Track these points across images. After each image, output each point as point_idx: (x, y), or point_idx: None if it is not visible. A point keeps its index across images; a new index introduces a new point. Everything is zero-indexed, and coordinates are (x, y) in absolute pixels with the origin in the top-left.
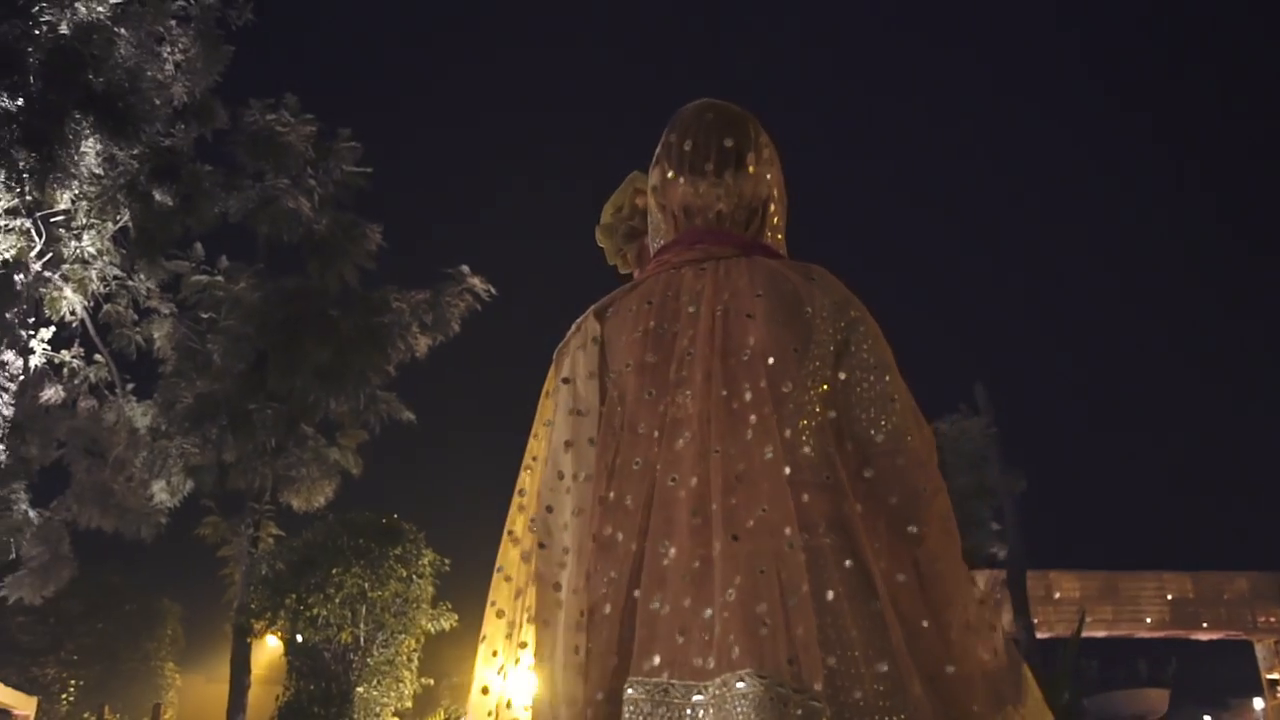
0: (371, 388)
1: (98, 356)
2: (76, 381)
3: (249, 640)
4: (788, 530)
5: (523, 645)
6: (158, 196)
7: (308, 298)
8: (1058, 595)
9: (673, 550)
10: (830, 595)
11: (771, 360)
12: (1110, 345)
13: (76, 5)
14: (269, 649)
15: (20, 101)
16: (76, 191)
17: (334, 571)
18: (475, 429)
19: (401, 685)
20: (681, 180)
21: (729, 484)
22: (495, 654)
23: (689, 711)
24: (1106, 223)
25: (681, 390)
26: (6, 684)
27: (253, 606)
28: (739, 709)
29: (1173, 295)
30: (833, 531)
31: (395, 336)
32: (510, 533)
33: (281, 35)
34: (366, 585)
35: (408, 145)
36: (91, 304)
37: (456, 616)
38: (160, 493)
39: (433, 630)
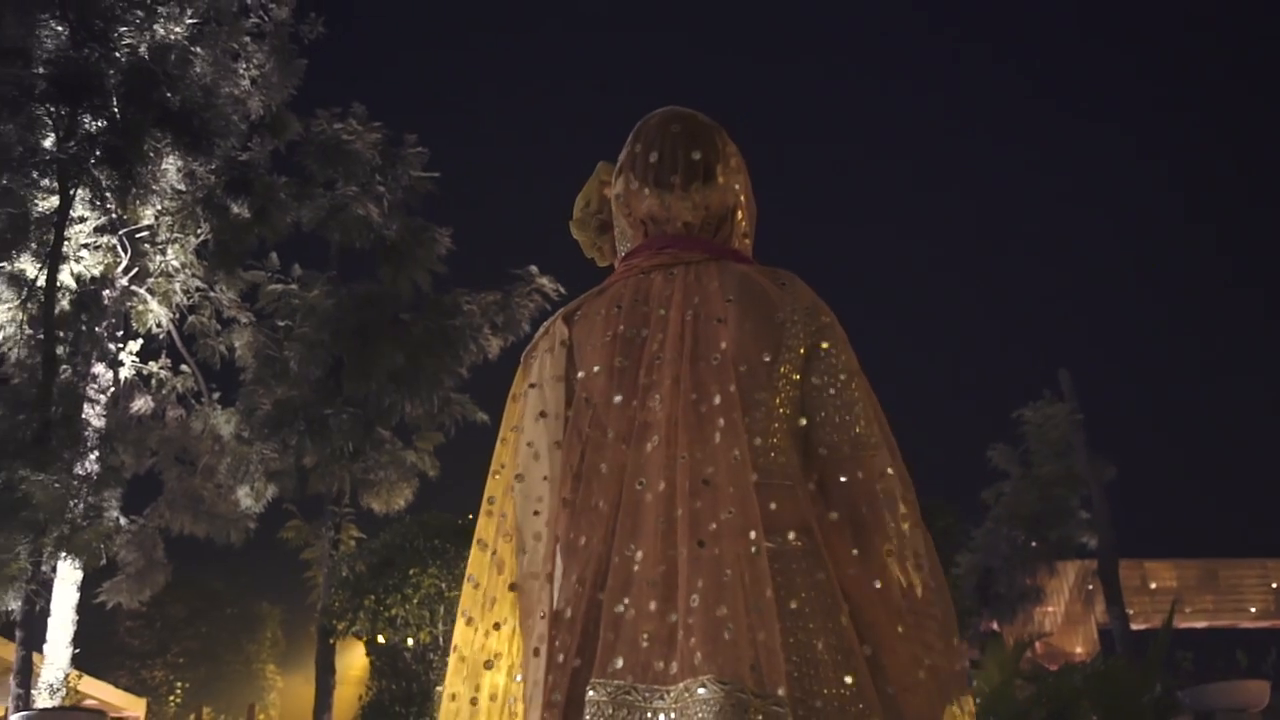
0: (445, 390)
1: (184, 367)
2: (164, 392)
3: (332, 641)
4: (753, 534)
5: (497, 655)
6: (234, 209)
7: (380, 303)
8: (1154, 585)
9: (639, 554)
10: (794, 605)
11: (743, 366)
12: (1205, 325)
13: (155, 27)
14: (359, 650)
15: (101, 122)
16: (159, 207)
17: (411, 572)
18: None
19: None
20: (647, 192)
21: (695, 488)
22: (463, 660)
23: (649, 716)
24: (1197, 200)
25: (651, 394)
26: (117, 686)
27: (334, 608)
28: (699, 714)
29: (1272, 272)
30: (802, 538)
31: (467, 339)
32: (480, 541)
33: (345, 42)
34: (444, 585)
35: (475, 147)
36: (177, 316)
37: None
38: (245, 498)
39: None
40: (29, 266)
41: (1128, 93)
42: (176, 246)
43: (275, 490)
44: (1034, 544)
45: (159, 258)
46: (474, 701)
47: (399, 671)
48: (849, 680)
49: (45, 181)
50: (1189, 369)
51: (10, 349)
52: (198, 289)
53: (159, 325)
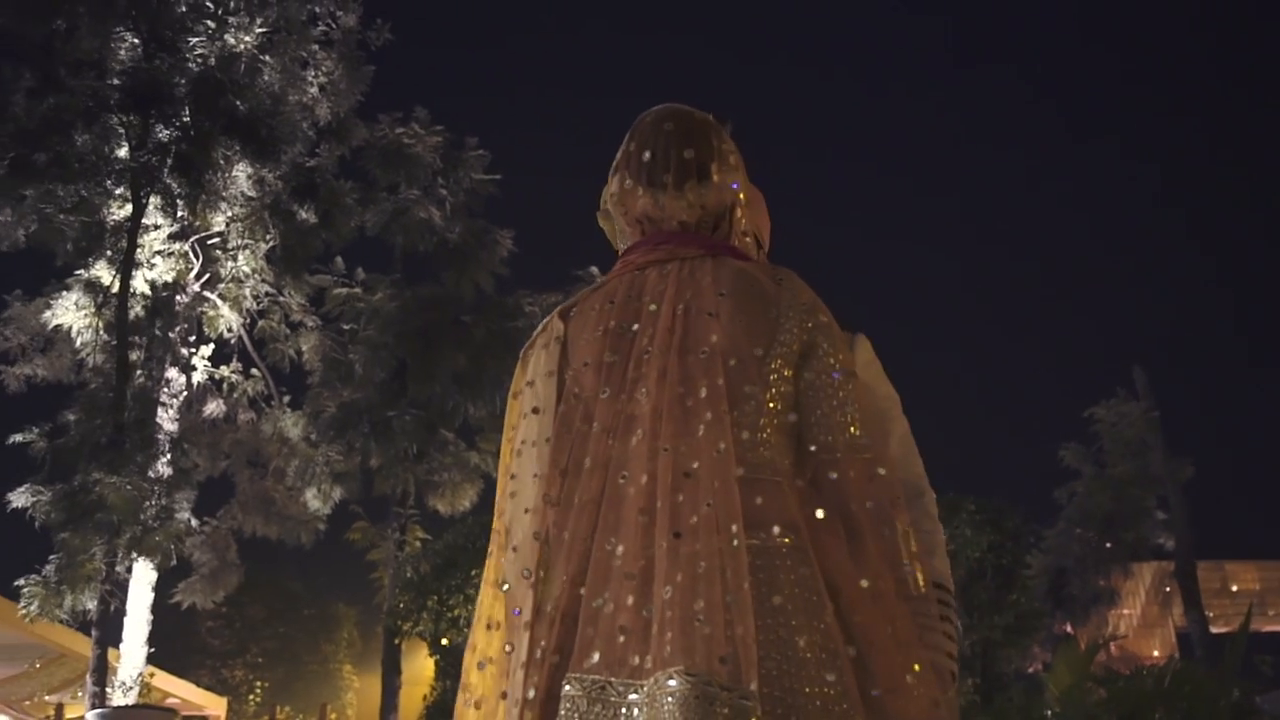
0: (507, 391)
1: (254, 371)
2: (236, 395)
3: (397, 642)
4: (733, 528)
5: (490, 658)
6: (301, 214)
7: (443, 305)
8: (1235, 588)
9: (620, 548)
10: (776, 600)
11: (732, 360)
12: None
13: (225, 37)
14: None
15: (172, 131)
16: (229, 214)
17: (474, 573)
18: None
19: None
20: (641, 191)
21: (677, 481)
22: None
23: (625, 710)
24: (1272, 194)
25: (638, 388)
26: (199, 685)
27: (399, 609)
28: (666, 706)
29: None
30: (788, 534)
31: (529, 340)
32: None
33: (408, 46)
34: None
35: (536, 149)
36: (247, 321)
37: None
38: (313, 500)
39: None
40: (104, 274)
41: (1209, 93)
42: (247, 252)
43: (342, 492)
44: (1108, 545)
45: (230, 263)
46: (477, 705)
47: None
48: (831, 678)
49: (119, 190)
50: (1269, 365)
51: (87, 355)
52: (267, 294)
53: (230, 330)
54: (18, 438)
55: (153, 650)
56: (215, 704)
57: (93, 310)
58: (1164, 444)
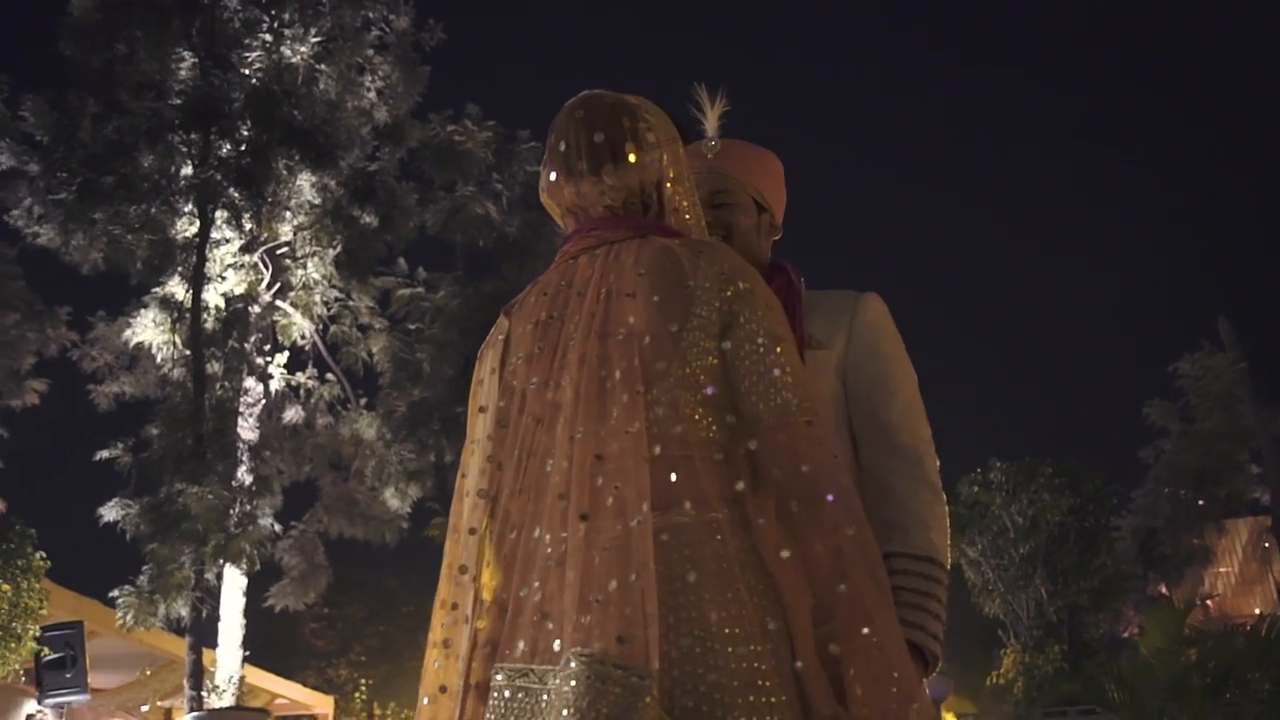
0: None
1: (329, 375)
2: (313, 401)
3: None
4: (644, 507)
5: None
6: (365, 218)
7: (506, 299)
8: None
9: (547, 536)
10: (692, 577)
11: (648, 339)
12: None
13: (282, 49)
14: None
15: (233, 146)
16: (296, 222)
17: None
18: None
19: None
20: (563, 181)
21: (593, 465)
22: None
23: (545, 696)
24: None
25: (564, 375)
26: (305, 685)
27: None
28: (565, 688)
29: None
30: (705, 510)
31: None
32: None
33: (459, 45)
34: None
35: None
36: (319, 326)
37: None
38: (391, 499)
39: None
40: (178, 290)
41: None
42: (315, 259)
43: (418, 489)
44: (1200, 502)
45: (299, 272)
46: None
47: None
48: (744, 650)
49: (187, 208)
50: None
51: (168, 369)
52: (337, 299)
53: (303, 337)
54: (104, 454)
55: (249, 654)
56: (322, 703)
57: (169, 326)
58: (1254, 395)
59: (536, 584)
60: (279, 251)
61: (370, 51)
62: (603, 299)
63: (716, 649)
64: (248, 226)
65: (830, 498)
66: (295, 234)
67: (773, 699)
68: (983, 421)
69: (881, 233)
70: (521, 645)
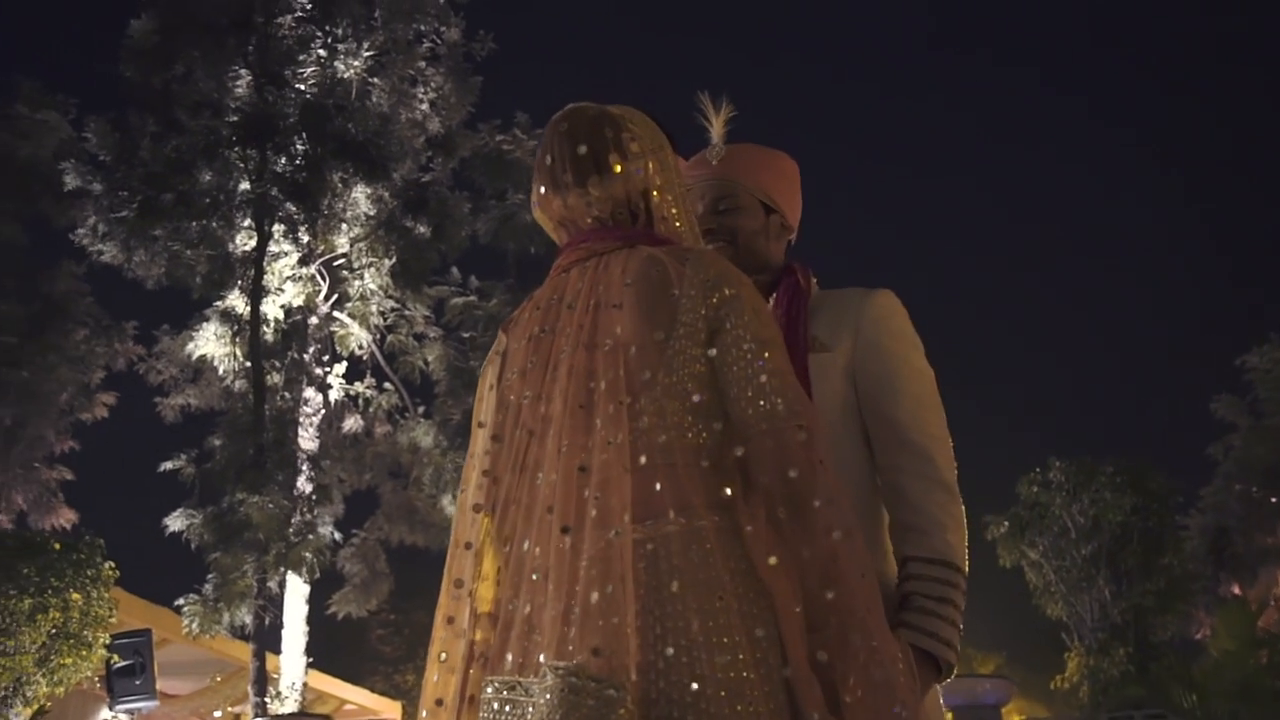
0: None
1: (387, 384)
2: (372, 410)
3: None
4: (624, 519)
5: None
6: (418, 229)
7: None
8: None
9: (536, 549)
10: (675, 586)
11: (633, 348)
12: None
13: (335, 64)
14: None
15: (288, 161)
16: (351, 234)
17: None
18: None
19: None
20: (551, 194)
21: (578, 478)
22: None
23: (530, 709)
24: None
25: (555, 388)
26: (373, 691)
27: None
28: (542, 701)
29: None
30: (688, 518)
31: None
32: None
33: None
34: None
35: None
36: (377, 336)
37: None
38: (449, 505)
39: None
40: (238, 303)
41: None
42: (371, 270)
43: None
44: (1273, 499)
45: (356, 282)
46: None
47: None
48: (726, 659)
49: (245, 222)
50: None
51: (230, 381)
52: (393, 309)
53: (361, 347)
54: (168, 465)
55: (315, 661)
56: (390, 708)
57: (230, 339)
58: None
59: (525, 596)
60: (336, 263)
61: (422, 64)
62: (591, 311)
63: (701, 659)
64: (304, 239)
65: (817, 503)
66: (351, 245)
67: (760, 708)
68: (1044, 421)
69: (915, 234)
70: (510, 657)
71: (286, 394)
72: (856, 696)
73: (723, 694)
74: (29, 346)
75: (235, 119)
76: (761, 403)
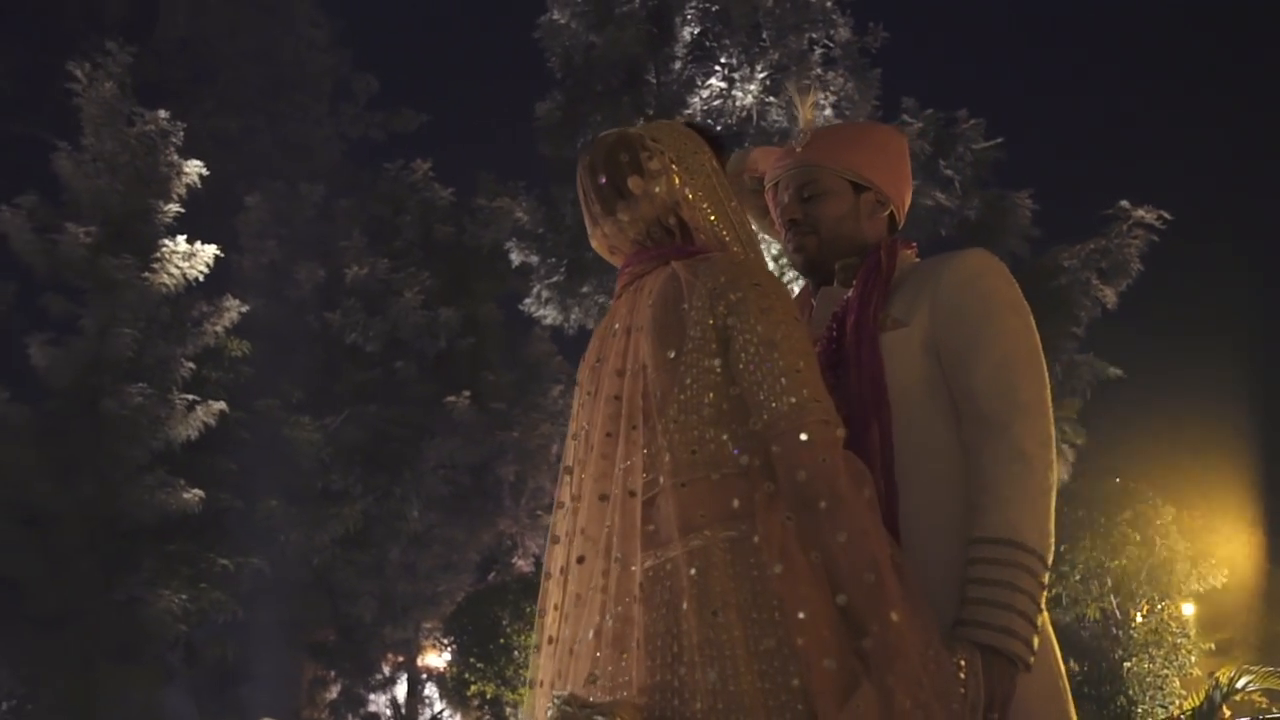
0: (1068, 354)
1: None
2: None
3: None
4: (633, 545)
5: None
6: None
7: None
8: None
9: (568, 576)
10: (684, 605)
11: (651, 370)
12: None
13: (733, 93)
14: None
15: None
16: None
17: (1062, 548)
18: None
19: (1180, 654)
20: (592, 228)
21: (599, 506)
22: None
23: None
24: None
25: (597, 416)
26: None
27: None
28: None
29: None
30: (693, 539)
31: (1077, 295)
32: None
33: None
34: (1103, 557)
35: (1021, 102)
36: None
37: (1227, 571)
38: None
39: (1201, 590)
40: None
41: None
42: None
43: None
44: None
45: None
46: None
47: (1081, 651)
48: (735, 673)
49: None
50: None
51: None
52: None
53: None
54: None
55: None
56: None
57: None
58: None
59: (565, 624)
60: None
61: (818, 71)
62: (626, 336)
63: (696, 676)
64: None
65: (822, 504)
66: None
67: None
68: None
69: None
70: (562, 678)
71: None
72: (866, 704)
73: (719, 707)
74: (515, 409)
75: None
76: (772, 406)
